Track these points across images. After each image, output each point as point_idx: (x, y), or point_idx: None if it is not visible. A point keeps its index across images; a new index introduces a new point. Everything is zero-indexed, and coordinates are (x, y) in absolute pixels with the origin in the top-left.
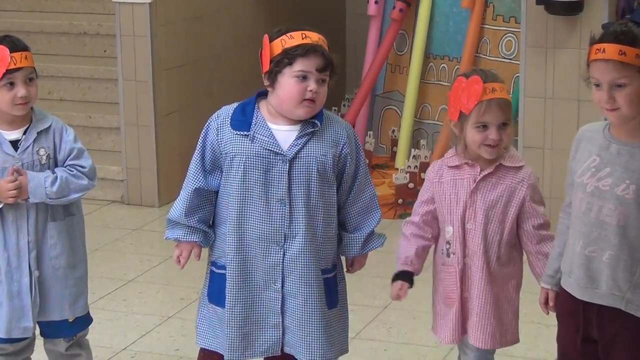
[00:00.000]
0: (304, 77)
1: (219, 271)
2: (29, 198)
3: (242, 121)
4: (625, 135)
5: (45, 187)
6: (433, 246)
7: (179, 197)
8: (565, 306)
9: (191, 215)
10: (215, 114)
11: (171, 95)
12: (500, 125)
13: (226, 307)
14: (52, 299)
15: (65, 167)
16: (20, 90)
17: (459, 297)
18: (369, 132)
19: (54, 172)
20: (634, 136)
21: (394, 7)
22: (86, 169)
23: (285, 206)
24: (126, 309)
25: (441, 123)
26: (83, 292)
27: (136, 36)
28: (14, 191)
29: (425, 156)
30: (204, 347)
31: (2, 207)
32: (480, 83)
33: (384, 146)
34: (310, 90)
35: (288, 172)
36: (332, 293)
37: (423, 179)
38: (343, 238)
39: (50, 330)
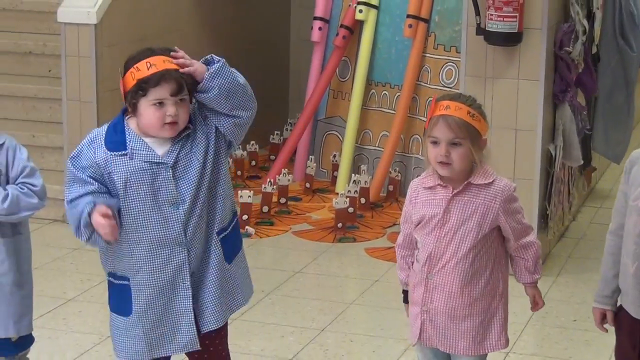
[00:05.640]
0: (160, 104)
1: (119, 282)
2: None
3: (117, 141)
4: None
5: None
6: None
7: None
8: (624, 323)
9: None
10: (87, 139)
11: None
12: (449, 143)
13: (134, 314)
14: None
15: (16, 184)
16: None
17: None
18: (310, 157)
19: (5, 189)
20: None
21: (337, 34)
22: (37, 188)
23: (177, 208)
24: (65, 328)
25: (381, 149)
26: (28, 311)
27: (81, 57)
28: None
29: (365, 181)
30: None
31: None
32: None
33: (325, 171)
34: (169, 115)
35: (173, 177)
36: (230, 248)
37: (363, 204)
38: None
39: None
